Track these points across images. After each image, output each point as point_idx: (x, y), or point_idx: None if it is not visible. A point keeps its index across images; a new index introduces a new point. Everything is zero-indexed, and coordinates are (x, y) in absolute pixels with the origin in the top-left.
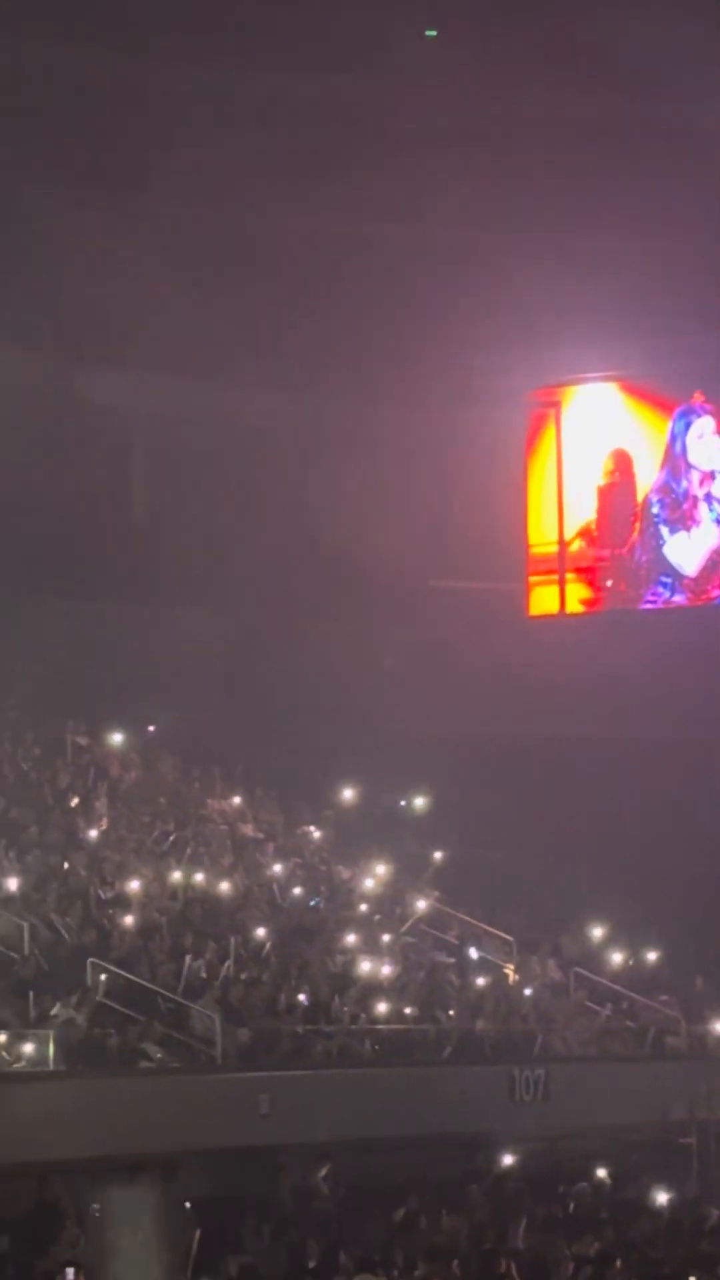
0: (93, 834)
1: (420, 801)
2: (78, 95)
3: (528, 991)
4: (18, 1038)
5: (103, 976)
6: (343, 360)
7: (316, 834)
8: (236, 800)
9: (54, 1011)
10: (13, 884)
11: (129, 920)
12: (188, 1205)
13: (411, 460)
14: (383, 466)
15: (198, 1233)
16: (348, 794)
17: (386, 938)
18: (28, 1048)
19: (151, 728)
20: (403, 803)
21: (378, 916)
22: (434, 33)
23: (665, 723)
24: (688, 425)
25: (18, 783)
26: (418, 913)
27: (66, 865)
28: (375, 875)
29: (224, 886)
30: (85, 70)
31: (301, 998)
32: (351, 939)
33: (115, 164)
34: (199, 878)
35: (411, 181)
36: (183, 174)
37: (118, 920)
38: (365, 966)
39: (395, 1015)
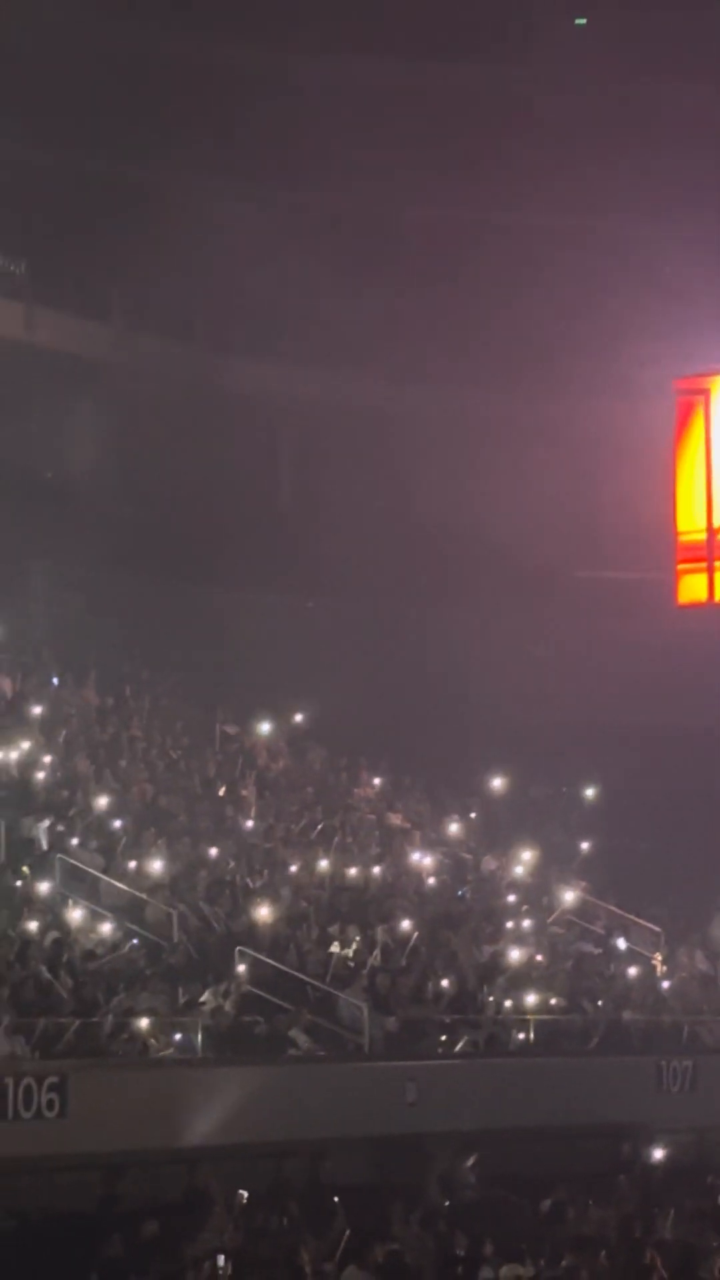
0: (241, 823)
1: (589, 792)
2: (230, 88)
3: (669, 983)
4: (167, 1025)
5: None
6: (491, 350)
7: (463, 824)
8: (383, 790)
9: (202, 999)
10: (162, 872)
11: (277, 909)
12: (335, 1198)
13: (560, 449)
14: (530, 456)
15: (344, 1220)
16: (494, 784)
17: (534, 928)
18: (176, 1035)
19: (299, 717)
20: (555, 792)
21: (525, 907)
22: (583, 21)
23: None
24: None
25: (167, 771)
26: (565, 903)
27: (215, 854)
28: (522, 865)
29: (371, 876)
30: (236, 63)
31: (446, 985)
32: (498, 929)
33: (266, 156)
34: (345, 867)
35: (561, 172)
36: (332, 165)
37: (265, 908)
38: (512, 956)
39: (542, 1005)
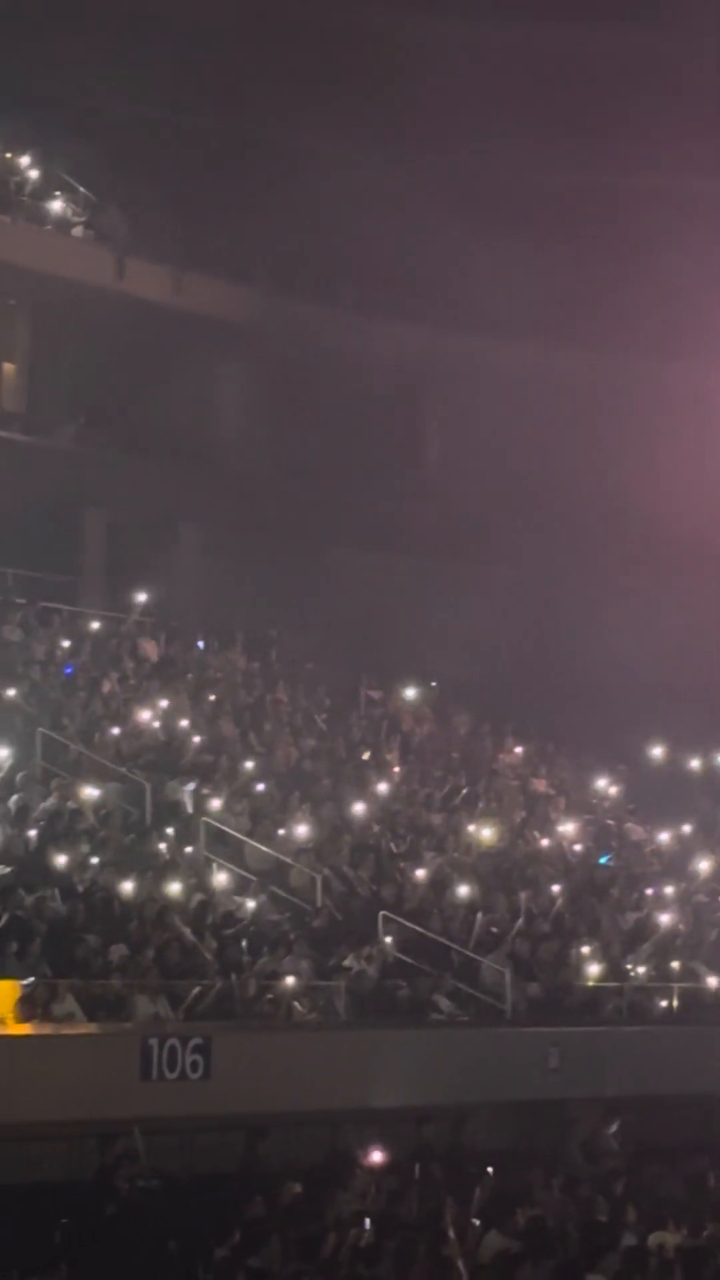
0: (384, 787)
1: None
2: (378, 52)
3: None
4: (310, 989)
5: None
6: (636, 315)
7: (609, 791)
8: (527, 756)
9: (346, 963)
10: (306, 836)
11: (420, 874)
12: (481, 1164)
13: (703, 416)
14: (685, 424)
15: (488, 1185)
16: (639, 751)
17: (677, 895)
18: (319, 998)
19: (444, 686)
20: (700, 759)
21: (669, 875)
22: None
23: None
24: None
25: (311, 735)
26: (709, 871)
27: (359, 818)
28: (668, 833)
29: (515, 842)
30: (383, 27)
31: (589, 951)
32: (642, 896)
33: (412, 120)
34: (489, 833)
35: (708, 134)
36: (477, 128)
37: (409, 873)
38: (656, 923)
39: (686, 973)
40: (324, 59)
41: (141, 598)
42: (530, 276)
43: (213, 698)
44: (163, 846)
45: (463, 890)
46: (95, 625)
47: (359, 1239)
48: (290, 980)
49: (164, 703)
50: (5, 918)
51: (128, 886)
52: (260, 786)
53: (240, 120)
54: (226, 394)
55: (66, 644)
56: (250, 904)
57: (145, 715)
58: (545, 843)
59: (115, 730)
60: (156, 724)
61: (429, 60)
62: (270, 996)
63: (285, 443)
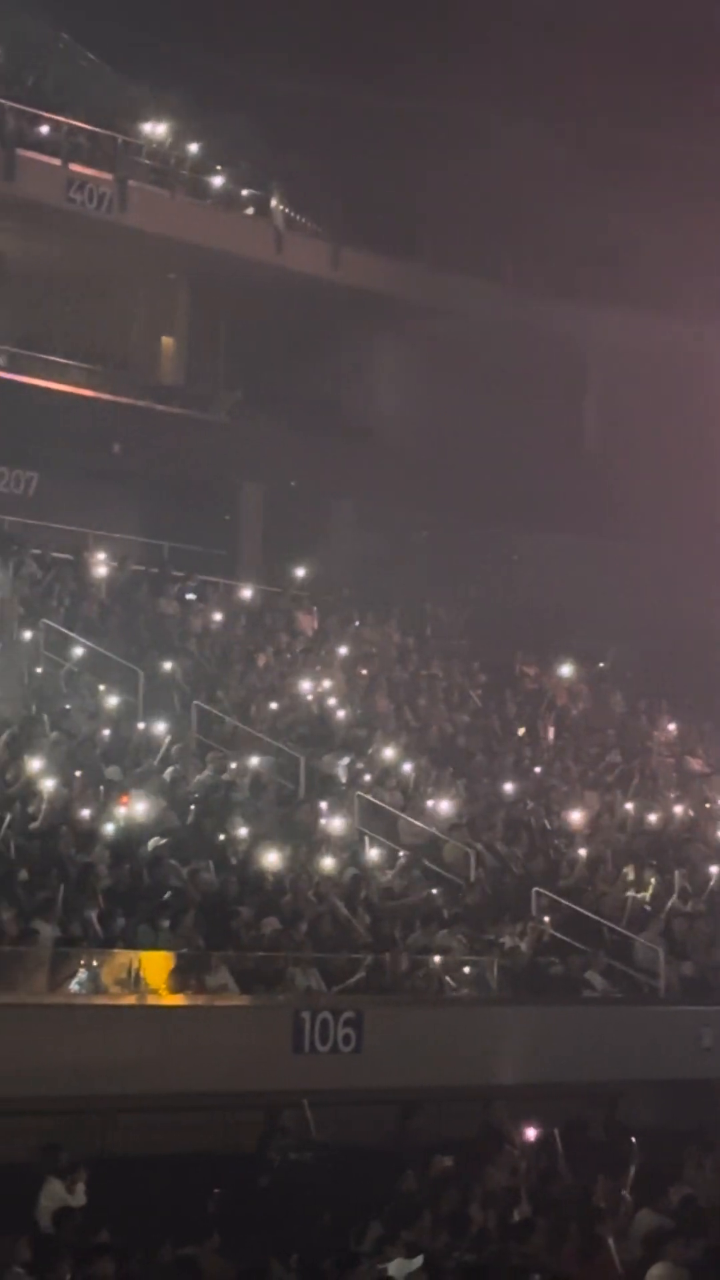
0: (539, 764)
1: None
2: (538, 26)
3: None
4: (463, 963)
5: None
6: None
7: None
8: (682, 734)
9: (499, 938)
10: (460, 812)
11: (577, 851)
12: (633, 1139)
13: None
14: None
15: (633, 1155)
16: None
17: None
18: (472, 973)
19: (602, 664)
20: None
21: None
22: None
23: None
24: None
25: (466, 710)
26: None
27: (512, 793)
28: None
29: (670, 819)
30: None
31: None
32: None
33: (575, 95)
34: (644, 810)
35: None
36: (639, 104)
37: (564, 850)
38: None
39: None
40: (485, 31)
41: (299, 572)
42: (693, 251)
43: (367, 672)
44: (319, 821)
45: (616, 868)
46: (251, 598)
47: (510, 1215)
48: (441, 956)
49: (320, 678)
50: (160, 890)
51: (281, 860)
52: (414, 762)
53: (400, 94)
54: (384, 368)
55: (221, 617)
56: (403, 877)
57: (301, 689)
58: (700, 820)
59: (271, 704)
60: (310, 698)
61: (593, 32)
62: (422, 972)
63: (443, 418)
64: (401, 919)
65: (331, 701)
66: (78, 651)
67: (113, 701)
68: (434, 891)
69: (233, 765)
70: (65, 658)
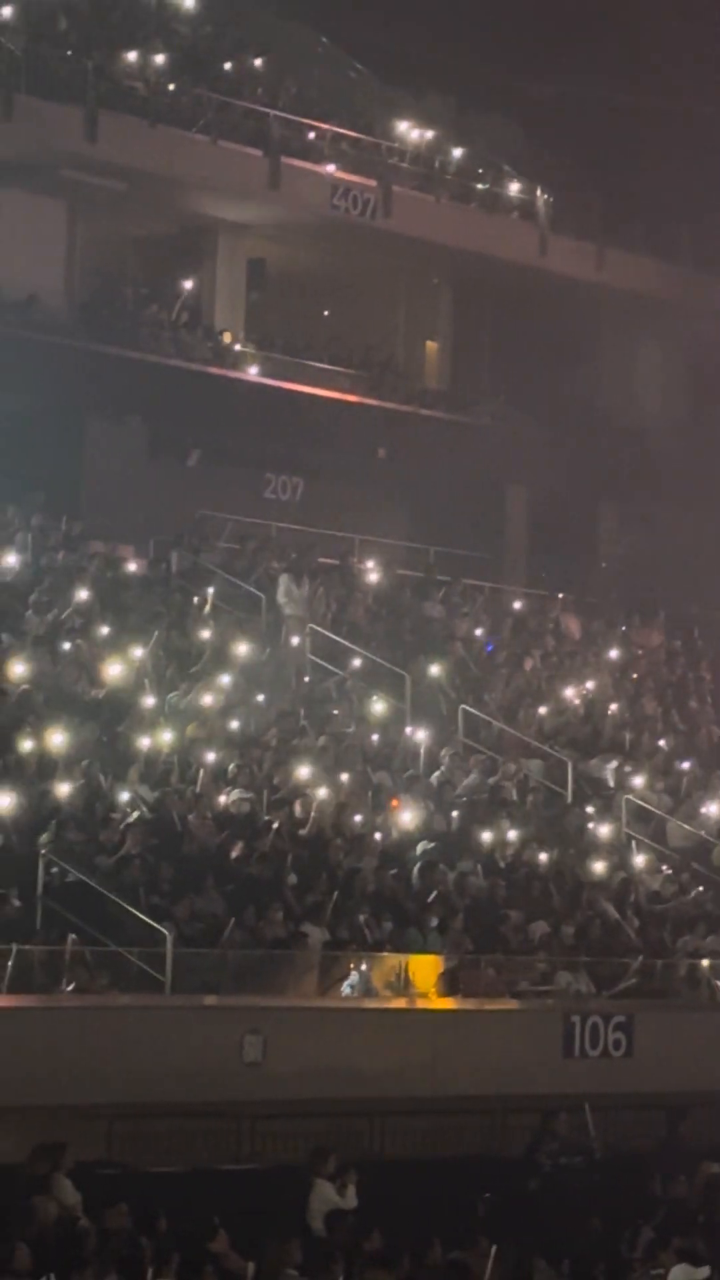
0: None
1: None
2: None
3: None
4: None
5: None
6: None
7: None
8: None
9: None
10: None
11: None
12: None
13: None
14: None
15: None
16: None
17: None
18: None
19: None
20: None
21: None
22: None
23: None
24: None
25: None
26: None
27: None
28: None
29: None
30: None
31: None
32: None
33: None
34: None
35: None
36: None
37: None
38: None
39: None
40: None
41: (564, 575)
42: None
43: (635, 675)
44: (587, 825)
45: None
46: (517, 603)
47: None
48: (711, 959)
49: (588, 681)
50: (428, 894)
51: (549, 863)
52: (683, 764)
53: (662, 94)
54: (648, 370)
55: (487, 622)
56: (673, 881)
57: (568, 692)
58: None
59: (538, 708)
60: (578, 701)
61: None
62: (693, 975)
63: (707, 419)
64: (671, 922)
65: (600, 704)
66: (356, 662)
67: (380, 707)
68: (703, 892)
69: (501, 769)
70: (331, 663)
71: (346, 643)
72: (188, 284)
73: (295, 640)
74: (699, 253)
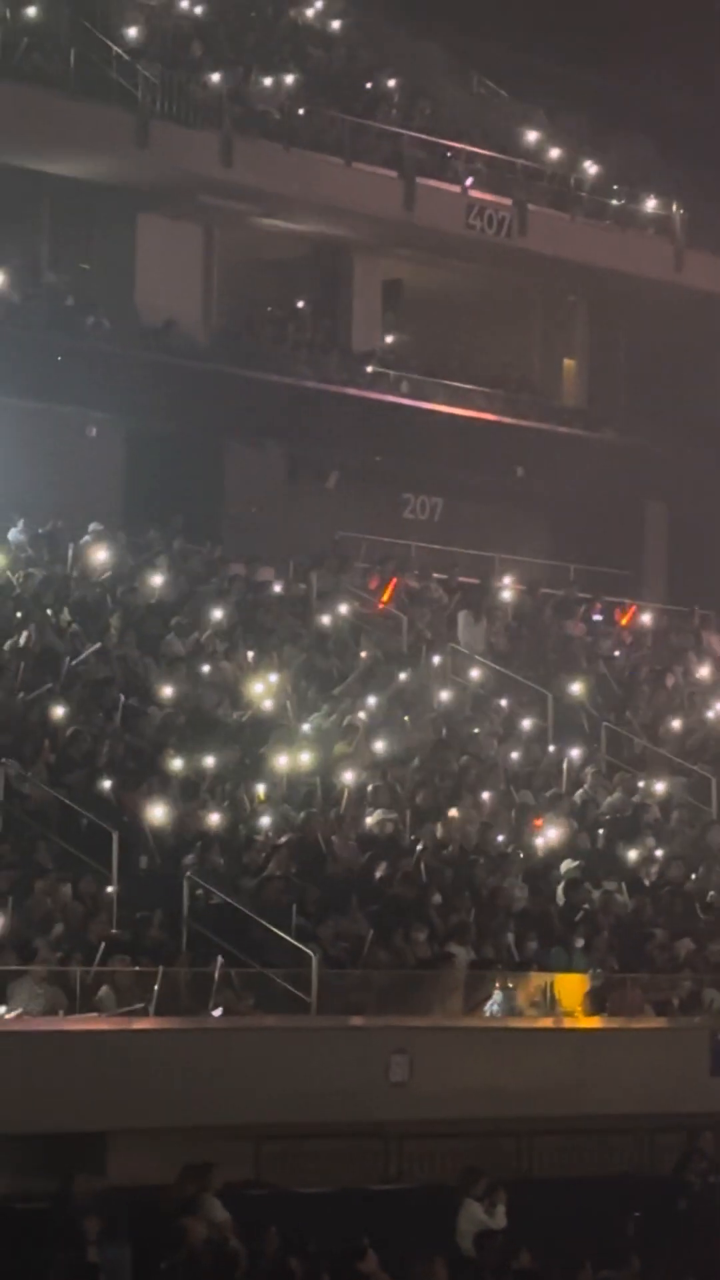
0: None
1: None
2: None
3: None
4: None
5: None
6: None
7: None
8: None
9: None
10: None
11: None
12: None
13: None
14: None
15: None
16: None
17: None
18: None
19: None
20: None
21: None
22: None
23: None
24: None
25: None
26: None
27: None
28: None
29: None
30: None
31: None
32: None
33: None
34: None
35: None
36: None
37: None
38: None
39: None
40: None
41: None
42: None
43: None
44: None
45: None
46: (658, 619)
47: None
48: None
49: None
50: (573, 912)
51: (694, 880)
52: None
53: None
54: None
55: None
56: None
57: (712, 709)
58: None
59: (680, 725)
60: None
61: None
62: None
63: None
64: None
65: None
66: (485, 678)
67: (523, 725)
68: None
69: (641, 785)
70: (472, 682)
71: (492, 663)
72: (323, 307)
73: (437, 659)
74: None
